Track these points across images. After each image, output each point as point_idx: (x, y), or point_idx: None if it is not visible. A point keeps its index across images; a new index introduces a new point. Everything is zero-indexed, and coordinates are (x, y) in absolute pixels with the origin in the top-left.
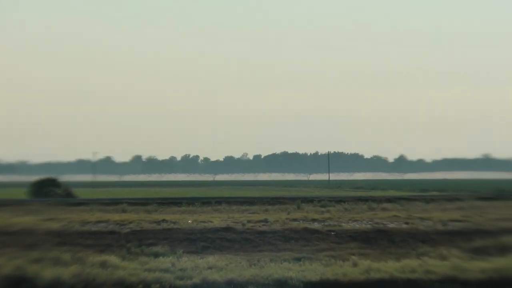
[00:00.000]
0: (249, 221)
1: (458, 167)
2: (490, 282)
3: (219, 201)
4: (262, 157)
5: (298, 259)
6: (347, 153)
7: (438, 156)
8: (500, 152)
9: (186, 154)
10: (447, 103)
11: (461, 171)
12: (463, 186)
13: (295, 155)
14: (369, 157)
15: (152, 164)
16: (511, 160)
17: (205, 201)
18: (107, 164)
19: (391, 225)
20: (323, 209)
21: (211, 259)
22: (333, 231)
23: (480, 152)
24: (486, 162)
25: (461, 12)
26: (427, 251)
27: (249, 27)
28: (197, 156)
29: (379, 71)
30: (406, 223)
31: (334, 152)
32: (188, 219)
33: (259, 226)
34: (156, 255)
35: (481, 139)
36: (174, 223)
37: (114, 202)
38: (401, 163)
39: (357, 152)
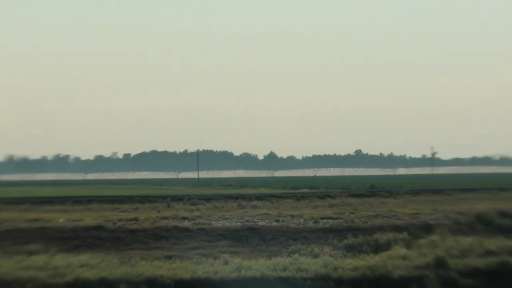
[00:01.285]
0: (120, 220)
1: (329, 164)
2: (364, 279)
3: (90, 200)
4: (132, 156)
5: (169, 257)
6: (217, 150)
7: (309, 153)
8: (371, 148)
9: (57, 154)
10: (318, 100)
11: (332, 167)
12: (334, 183)
13: (165, 153)
14: (238, 154)
15: (25, 164)
16: (382, 156)
17: (77, 200)
18: None
19: (261, 223)
20: (193, 207)
21: (83, 257)
22: (203, 229)
23: (352, 149)
24: (358, 159)
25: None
26: (298, 249)
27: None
28: (68, 155)
29: (248, 69)
30: (277, 220)
31: (204, 150)
32: (60, 218)
33: (130, 225)
34: (30, 253)
35: (353, 136)
36: (47, 221)
37: None
38: (271, 160)
39: (226, 149)
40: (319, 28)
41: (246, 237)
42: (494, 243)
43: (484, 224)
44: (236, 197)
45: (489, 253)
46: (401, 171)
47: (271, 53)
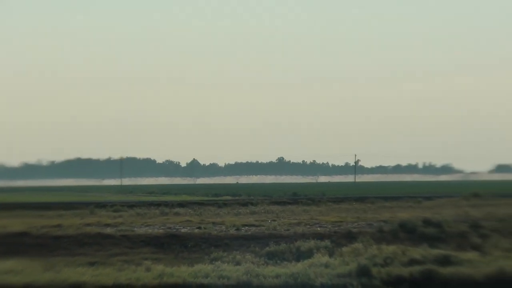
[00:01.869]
0: (44, 226)
1: (251, 171)
2: (285, 286)
3: (15, 206)
4: (56, 162)
5: (92, 264)
6: (140, 158)
7: (231, 160)
8: (294, 156)
9: None
10: (240, 108)
11: (254, 175)
12: (256, 190)
13: (89, 161)
14: (161, 161)
15: None
16: (305, 164)
17: (1, 207)
18: None
19: (184, 230)
20: (115, 214)
21: (8, 264)
22: (126, 236)
23: (275, 156)
24: (280, 166)
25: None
26: (220, 256)
27: None
28: None
29: (171, 77)
30: (199, 227)
31: (127, 157)
32: None
33: (54, 231)
34: None
35: (275, 143)
36: None
37: None
38: (194, 167)
39: (149, 157)
40: (240, 36)
41: (169, 244)
42: (418, 251)
43: (407, 232)
44: (158, 204)
45: (413, 261)
46: (324, 179)
47: (194, 60)
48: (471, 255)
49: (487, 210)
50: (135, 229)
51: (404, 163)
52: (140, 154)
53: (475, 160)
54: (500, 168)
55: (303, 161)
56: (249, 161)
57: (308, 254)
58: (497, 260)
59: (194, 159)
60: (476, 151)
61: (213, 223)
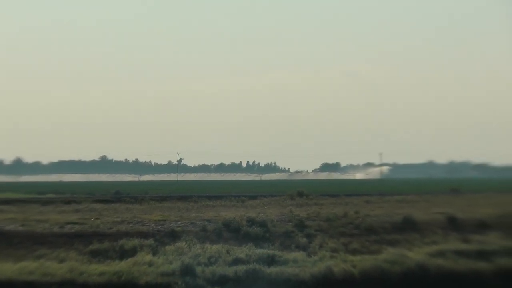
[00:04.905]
0: None
1: (74, 169)
2: (110, 284)
3: None
4: None
5: None
6: None
7: (55, 158)
8: (116, 154)
9: None
10: (69, 104)
11: (78, 173)
12: (80, 188)
13: None
14: None
15: None
16: (128, 162)
17: None
18: None
19: (8, 227)
20: None
21: None
22: None
23: (98, 154)
24: (103, 164)
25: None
26: (44, 254)
27: None
28: None
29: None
30: (23, 225)
31: None
32: None
33: None
34: None
35: (98, 141)
36: None
37: None
38: (18, 165)
39: None
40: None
41: None
42: (242, 250)
43: (231, 232)
44: None
45: (237, 260)
46: (147, 177)
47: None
48: (296, 254)
49: (312, 209)
50: None
51: (227, 162)
52: None
53: (300, 159)
54: (326, 167)
55: (125, 159)
56: (72, 159)
57: (132, 252)
58: (323, 260)
59: (18, 157)
60: (302, 151)
61: (37, 220)
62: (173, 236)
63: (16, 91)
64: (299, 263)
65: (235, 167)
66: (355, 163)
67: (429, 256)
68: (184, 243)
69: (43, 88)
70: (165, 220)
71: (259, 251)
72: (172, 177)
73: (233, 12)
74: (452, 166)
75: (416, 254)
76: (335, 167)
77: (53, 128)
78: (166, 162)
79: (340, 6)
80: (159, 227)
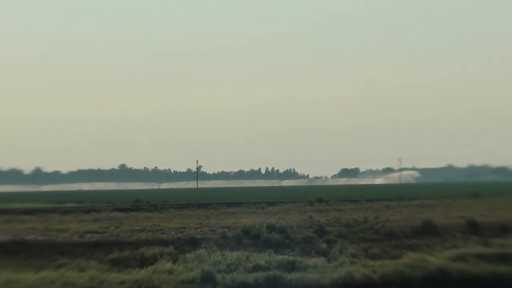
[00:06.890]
0: None
1: (93, 178)
2: None
3: None
4: None
5: None
6: None
7: (74, 168)
8: (135, 162)
9: None
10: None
11: (97, 182)
12: (99, 197)
13: None
14: (5, 170)
15: None
16: (147, 171)
17: None
18: None
19: (28, 237)
20: None
21: None
22: None
23: (116, 163)
24: (122, 173)
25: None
26: (65, 263)
27: None
28: None
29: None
30: (44, 234)
31: None
32: None
33: None
34: None
35: (118, 150)
36: None
37: None
38: (37, 175)
39: None
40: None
41: (14, 251)
42: (262, 257)
43: (251, 238)
44: (3, 212)
45: (257, 267)
46: (166, 185)
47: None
48: (316, 260)
49: (332, 215)
50: None
51: (246, 168)
52: None
53: (319, 165)
54: (345, 173)
55: (145, 167)
56: (91, 168)
57: (152, 260)
58: (343, 265)
59: (37, 166)
60: (321, 156)
61: (57, 230)
62: (193, 243)
63: (35, 102)
64: (319, 269)
65: (254, 174)
66: (374, 168)
67: (450, 260)
68: (204, 251)
69: (62, 99)
70: (185, 228)
71: (279, 257)
72: (191, 184)
73: (251, 23)
74: (471, 170)
75: (437, 259)
76: (354, 172)
77: (72, 137)
78: (185, 170)
79: (356, 12)
80: (179, 234)
